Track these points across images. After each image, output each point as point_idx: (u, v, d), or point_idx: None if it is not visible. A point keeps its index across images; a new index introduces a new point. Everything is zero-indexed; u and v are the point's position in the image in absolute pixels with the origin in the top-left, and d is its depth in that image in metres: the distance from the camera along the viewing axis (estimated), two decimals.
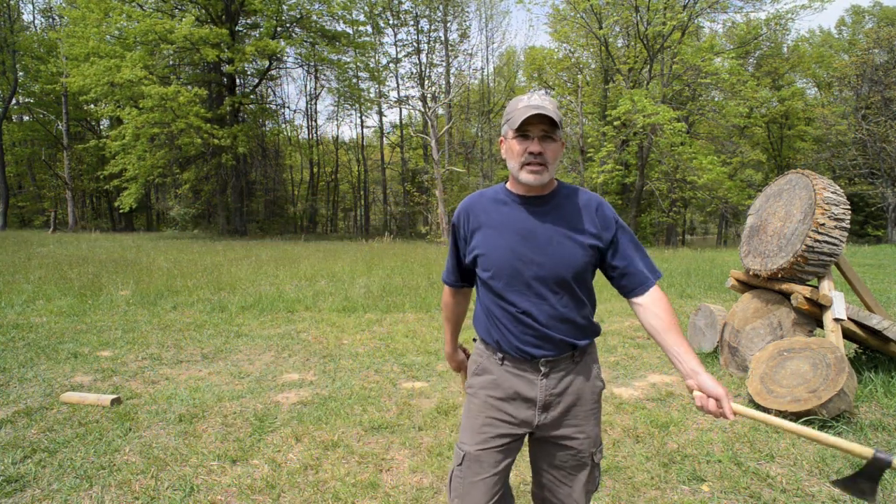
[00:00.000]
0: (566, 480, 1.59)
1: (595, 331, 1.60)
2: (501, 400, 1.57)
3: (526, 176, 1.47)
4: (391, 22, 30.89)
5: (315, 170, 35.95)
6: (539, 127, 1.45)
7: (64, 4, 27.99)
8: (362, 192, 36.06)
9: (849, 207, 3.87)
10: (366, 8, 28.61)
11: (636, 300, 1.52)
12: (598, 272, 1.61)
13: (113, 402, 3.50)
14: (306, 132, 37.20)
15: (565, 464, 1.58)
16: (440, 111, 29.39)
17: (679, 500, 2.45)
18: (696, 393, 1.38)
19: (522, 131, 1.46)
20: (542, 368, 1.53)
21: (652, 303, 1.49)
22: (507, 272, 1.51)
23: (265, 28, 24.70)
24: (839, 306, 3.73)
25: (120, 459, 2.79)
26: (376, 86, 31.11)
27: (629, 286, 1.53)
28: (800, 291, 3.88)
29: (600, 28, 24.12)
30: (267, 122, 30.25)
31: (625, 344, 5.37)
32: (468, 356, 1.88)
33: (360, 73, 29.65)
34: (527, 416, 1.55)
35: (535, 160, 1.45)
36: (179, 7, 24.80)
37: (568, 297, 1.51)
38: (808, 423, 3.16)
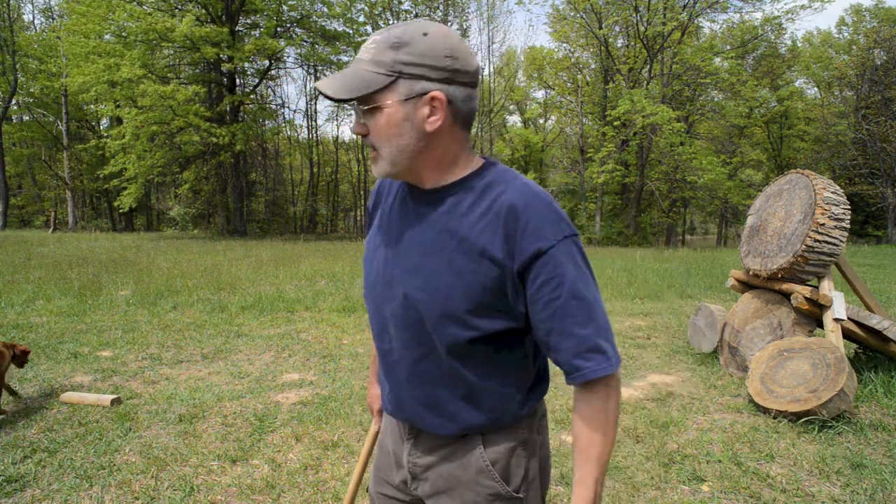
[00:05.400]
0: None
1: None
2: None
3: None
4: (391, 22, 30.92)
5: (315, 170, 35.94)
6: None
7: (64, 3, 27.99)
8: (362, 193, 36.06)
9: (849, 207, 3.87)
10: (366, 8, 28.60)
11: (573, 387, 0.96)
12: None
13: (113, 402, 3.50)
14: (306, 132, 37.25)
15: None
16: None
17: (679, 500, 2.45)
18: None
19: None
20: None
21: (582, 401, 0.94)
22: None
23: (265, 28, 24.70)
24: (839, 306, 3.73)
25: (120, 459, 2.79)
26: None
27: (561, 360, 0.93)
28: (800, 291, 3.88)
29: (600, 28, 24.14)
30: (267, 122, 30.24)
31: (625, 344, 5.37)
32: None
33: None
34: None
35: (368, 146, 0.95)
36: (179, 7, 24.81)
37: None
38: (808, 423, 3.16)
